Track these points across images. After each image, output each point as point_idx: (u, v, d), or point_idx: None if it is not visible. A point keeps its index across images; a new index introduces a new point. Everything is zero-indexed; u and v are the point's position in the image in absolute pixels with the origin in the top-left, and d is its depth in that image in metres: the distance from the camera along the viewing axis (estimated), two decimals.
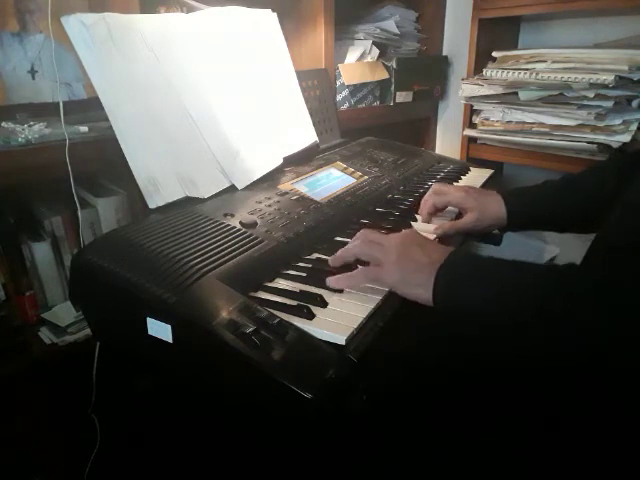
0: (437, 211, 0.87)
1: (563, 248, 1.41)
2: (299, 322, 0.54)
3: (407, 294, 0.59)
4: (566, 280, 0.52)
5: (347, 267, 0.64)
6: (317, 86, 1.17)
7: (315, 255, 0.71)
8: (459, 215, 0.87)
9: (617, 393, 0.53)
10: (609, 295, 0.49)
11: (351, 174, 1.01)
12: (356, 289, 0.61)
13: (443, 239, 0.80)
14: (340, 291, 0.61)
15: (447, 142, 1.67)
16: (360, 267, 0.62)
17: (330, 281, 0.61)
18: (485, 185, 1.08)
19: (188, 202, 0.77)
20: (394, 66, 1.42)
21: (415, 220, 0.85)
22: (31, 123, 0.79)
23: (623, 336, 0.47)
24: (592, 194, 0.79)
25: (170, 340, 0.54)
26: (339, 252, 0.64)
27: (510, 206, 0.81)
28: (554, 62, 1.19)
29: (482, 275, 0.56)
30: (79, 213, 0.82)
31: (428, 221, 0.84)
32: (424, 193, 0.90)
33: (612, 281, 0.49)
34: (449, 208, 0.87)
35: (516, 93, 1.24)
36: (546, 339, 0.51)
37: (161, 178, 0.75)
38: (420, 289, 0.57)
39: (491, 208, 0.81)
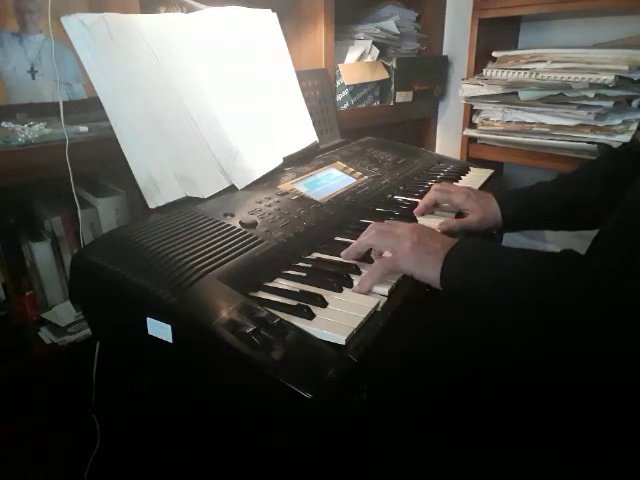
0: (435, 206, 0.89)
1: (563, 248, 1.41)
2: (299, 322, 0.54)
3: (420, 276, 0.62)
4: (566, 272, 0.53)
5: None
6: (317, 86, 1.17)
7: (315, 255, 0.71)
8: (458, 214, 0.88)
9: (617, 389, 0.54)
10: (607, 287, 0.49)
11: (351, 174, 1.01)
12: (356, 290, 0.62)
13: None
14: (345, 289, 0.62)
15: (447, 142, 1.67)
16: (376, 261, 0.66)
17: (356, 287, 0.62)
18: (485, 185, 1.08)
19: (188, 202, 0.77)
20: (394, 66, 1.42)
21: (416, 220, 0.85)
22: (31, 123, 0.79)
23: (621, 330, 0.47)
24: (581, 193, 0.82)
25: (170, 340, 0.54)
26: (351, 246, 0.68)
27: (504, 207, 0.84)
28: (554, 62, 1.19)
29: (486, 260, 0.58)
30: (79, 213, 0.82)
31: (423, 212, 0.87)
32: (424, 193, 0.91)
33: (609, 271, 0.50)
34: (447, 205, 0.89)
35: (516, 93, 1.24)
36: (544, 328, 0.51)
37: (161, 178, 0.75)
38: (431, 271, 0.61)
39: (490, 210, 0.84)
